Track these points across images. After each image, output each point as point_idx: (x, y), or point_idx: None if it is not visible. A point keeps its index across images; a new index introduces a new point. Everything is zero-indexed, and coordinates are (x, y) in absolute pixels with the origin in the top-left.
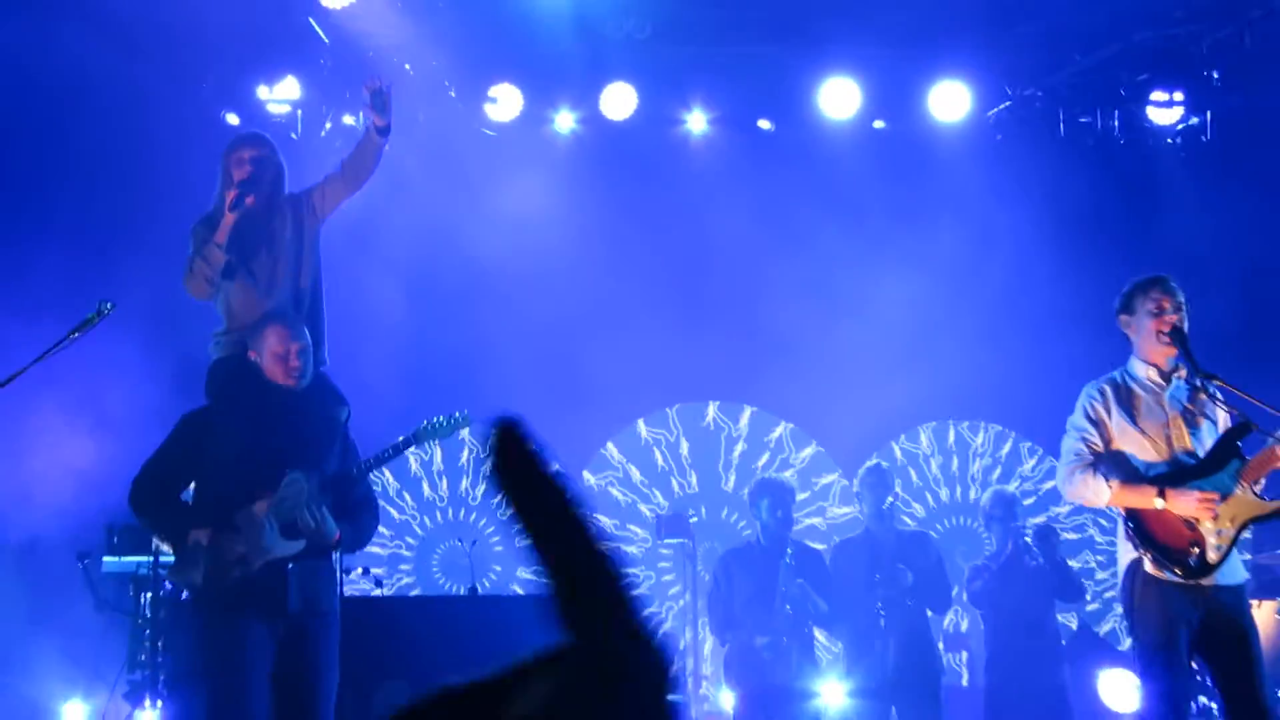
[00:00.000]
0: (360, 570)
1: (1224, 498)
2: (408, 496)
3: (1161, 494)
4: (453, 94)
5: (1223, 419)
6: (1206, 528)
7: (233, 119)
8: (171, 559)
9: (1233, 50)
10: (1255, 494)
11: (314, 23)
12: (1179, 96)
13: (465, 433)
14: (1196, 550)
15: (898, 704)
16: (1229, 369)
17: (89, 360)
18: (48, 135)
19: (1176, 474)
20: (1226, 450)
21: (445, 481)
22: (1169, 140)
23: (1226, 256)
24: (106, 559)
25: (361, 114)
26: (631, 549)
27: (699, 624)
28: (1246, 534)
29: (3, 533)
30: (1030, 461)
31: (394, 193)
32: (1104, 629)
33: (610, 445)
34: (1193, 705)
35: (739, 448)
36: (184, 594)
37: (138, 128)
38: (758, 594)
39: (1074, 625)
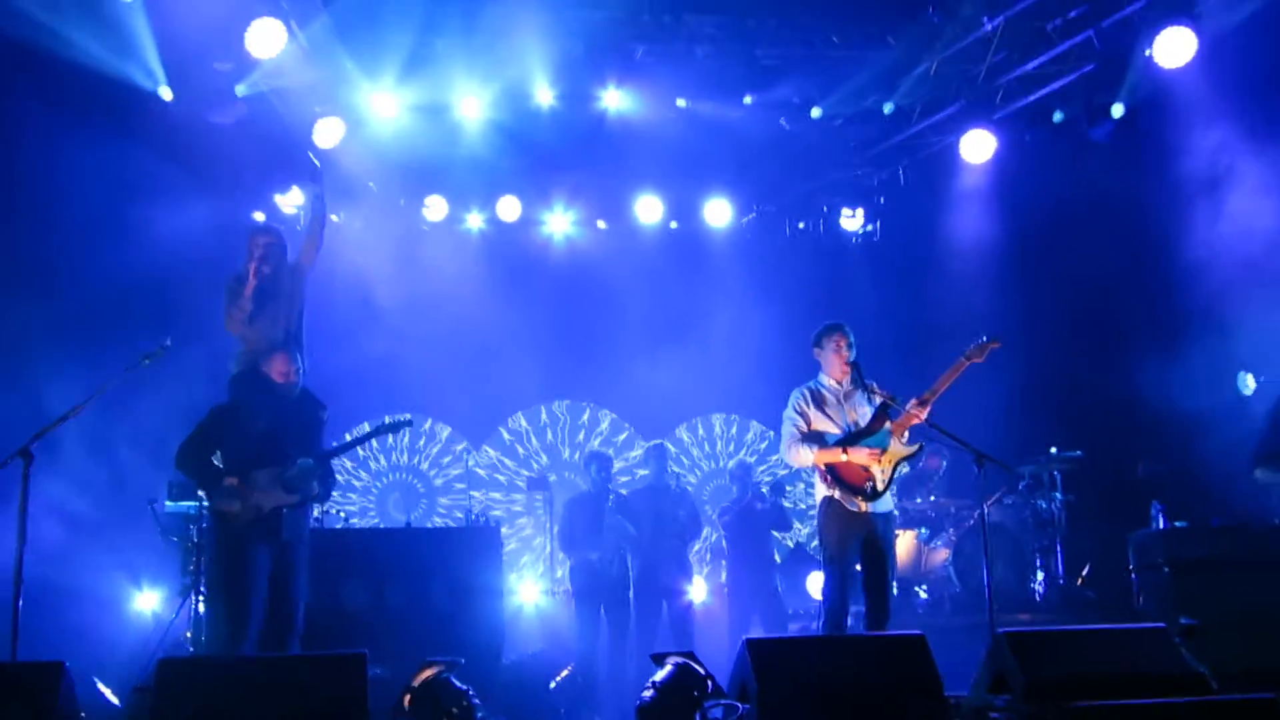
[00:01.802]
0: (338, 510)
1: (883, 449)
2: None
3: (845, 451)
4: (401, 202)
5: (879, 400)
6: (875, 469)
7: (258, 215)
8: (209, 498)
9: (893, 183)
10: (902, 443)
11: (311, 155)
12: (860, 212)
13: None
14: (870, 484)
15: (668, 598)
16: (883, 377)
17: (156, 379)
18: (130, 227)
19: (851, 436)
20: (880, 419)
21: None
22: (853, 239)
23: (889, 308)
24: (167, 503)
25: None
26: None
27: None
28: (904, 469)
29: (100, 486)
30: (762, 446)
31: (366, 266)
32: (811, 547)
33: (500, 429)
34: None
35: (582, 429)
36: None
37: (193, 220)
38: (589, 525)
39: (792, 545)
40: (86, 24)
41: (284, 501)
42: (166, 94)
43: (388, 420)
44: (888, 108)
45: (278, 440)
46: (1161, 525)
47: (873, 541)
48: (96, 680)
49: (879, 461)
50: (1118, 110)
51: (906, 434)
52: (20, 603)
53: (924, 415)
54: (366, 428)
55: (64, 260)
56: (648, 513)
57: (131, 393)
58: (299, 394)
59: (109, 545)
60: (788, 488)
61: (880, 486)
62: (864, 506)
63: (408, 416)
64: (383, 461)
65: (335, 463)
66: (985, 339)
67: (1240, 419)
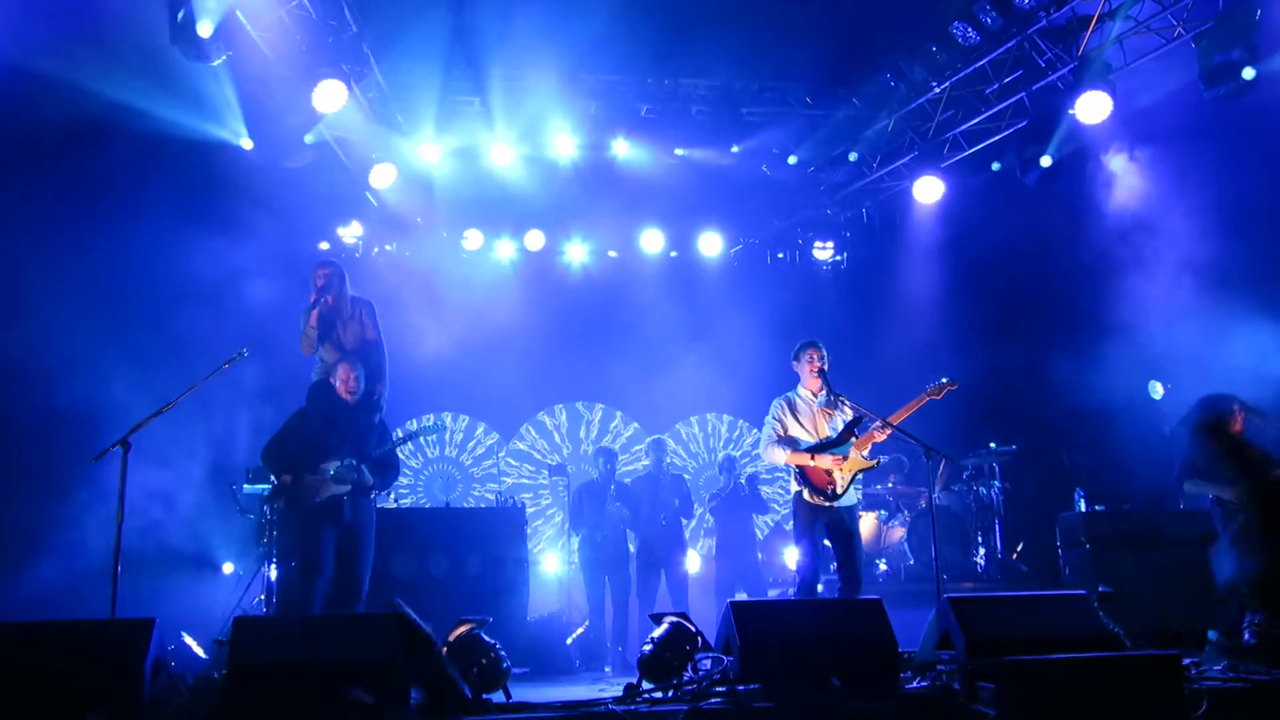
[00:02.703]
0: (391, 495)
1: (845, 458)
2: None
3: (813, 457)
4: (444, 234)
5: (848, 414)
6: (837, 475)
7: (324, 245)
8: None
9: (858, 221)
10: (863, 456)
11: (369, 195)
12: (830, 244)
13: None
14: (831, 487)
15: (665, 568)
16: (847, 386)
17: (236, 386)
18: (216, 254)
19: (820, 445)
20: (847, 432)
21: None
22: (825, 268)
23: (854, 326)
24: (246, 486)
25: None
26: (536, 480)
27: (565, 523)
28: (859, 477)
29: (195, 474)
30: (749, 439)
31: (415, 289)
32: (787, 526)
33: (526, 425)
34: (823, 569)
35: (595, 425)
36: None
37: (271, 249)
38: (595, 508)
39: (771, 524)
40: (183, 97)
41: (337, 492)
42: (247, 144)
43: (424, 424)
44: (853, 156)
45: (331, 441)
46: (1083, 509)
47: (839, 527)
48: (184, 634)
49: (841, 469)
50: (1046, 161)
51: (869, 448)
52: (120, 569)
53: (885, 435)
54: (412, 426)
55: (163, 282)
56: (646, 497)
57: (217, 391)
58: (359, 401)
59: (199, 521)
60: (763, 475)
61: (840, 490)
62: (826, 504)
63: (437, 423)
64: (431, 451)
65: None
66: (944, 380)
67: (1149, 420)
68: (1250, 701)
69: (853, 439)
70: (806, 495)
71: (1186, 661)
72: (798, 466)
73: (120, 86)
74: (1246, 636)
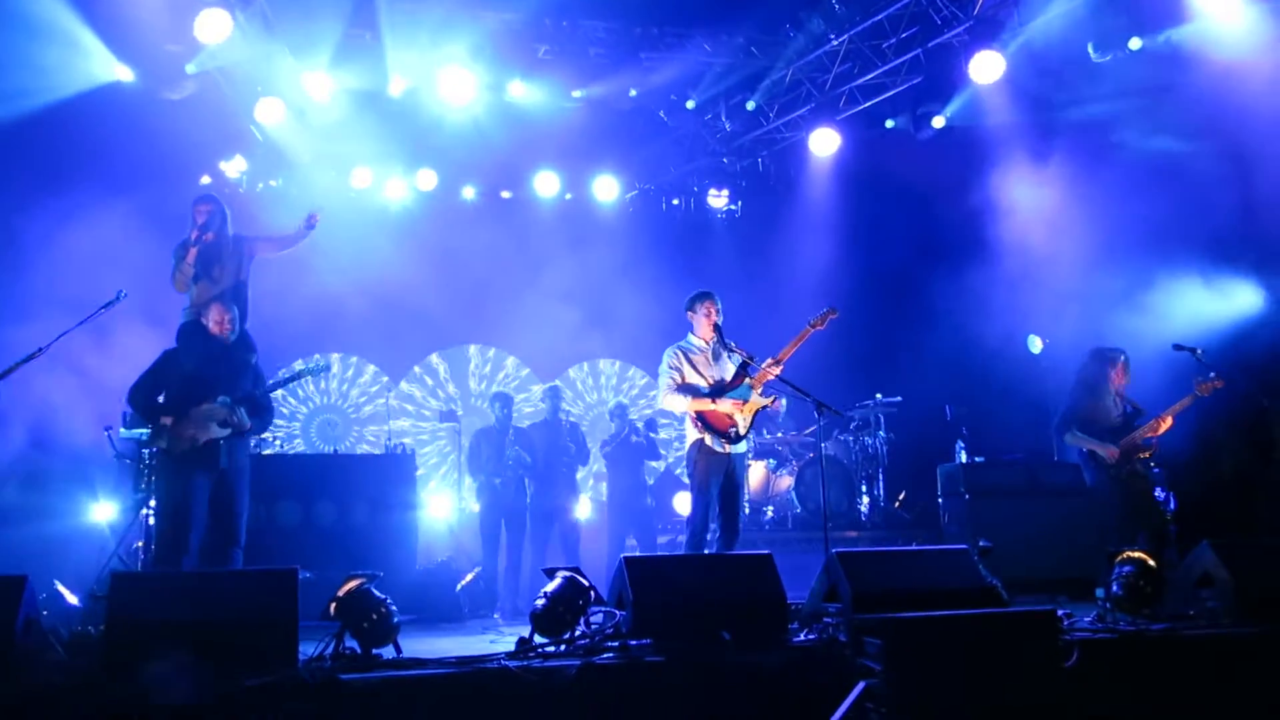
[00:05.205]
0: (273, 438)
1: (745, 401)
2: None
3: (714, 400)
4: (332, 171)
5: (738, 358)
6: (738, 417)
7: (206, 179)
8: (149, 433)
9: (753, 170)
10: (759, 396)
11: (254, 129)
12: (725, 192)
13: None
14: (734, 429)
15: (558, 516)
16: (740, 335)
17: (115, 326)
18: (103, 182)
19: (719, 389)
20: (741, 375)
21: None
22: (719, 215)
23: (746, 275)
24: (122, 430)
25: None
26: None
27: (462, 469)
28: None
29: (68, 420)
30: (640, 383)
31: (296, 225)
32: (677, 471)
33: (416, 367)
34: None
35: (487, 370)
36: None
37: (154, 181)
38: (494, 453)
39: (662, 469)
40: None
41: (215, 435)
42: (125, 74)
43: (305, 365)
44: (750, 106)
45: (207, 382)
46: (963, 460)
47: (731, 477)
48: (56, 582)
49: (741, 411)
50: (939, 122)
51: (762, 387)
52: None
53: (777, 373)
54: (297, 366)
55: (36, 224)
56: (542, 444)
57: (92, 333)
58: (234, 341)
59: (72, 466)
60: (660, 421)
61: (743, 431)
62: (728, 448)
63: (324, 362)
64: (320, 397)
65: (275, 397)
66: (825, 309)
67: (1028, 373)
68: (1117, 651)
69: (747, 380)
70: (708, 441)
71: (1060, 613)
72: (698, 413)
73: None
74: (1115, 588)
